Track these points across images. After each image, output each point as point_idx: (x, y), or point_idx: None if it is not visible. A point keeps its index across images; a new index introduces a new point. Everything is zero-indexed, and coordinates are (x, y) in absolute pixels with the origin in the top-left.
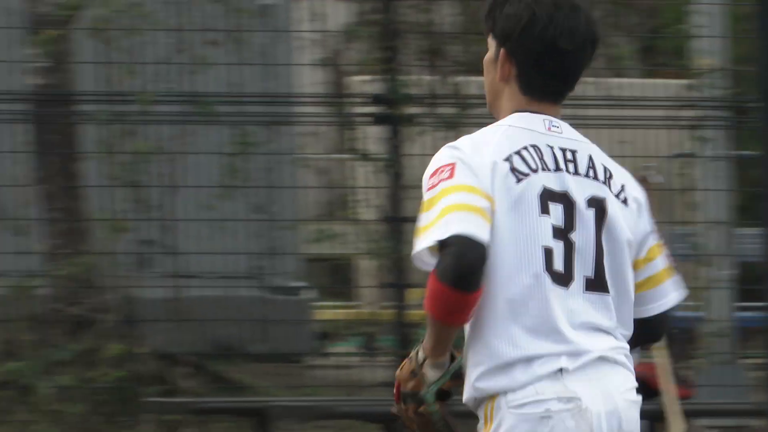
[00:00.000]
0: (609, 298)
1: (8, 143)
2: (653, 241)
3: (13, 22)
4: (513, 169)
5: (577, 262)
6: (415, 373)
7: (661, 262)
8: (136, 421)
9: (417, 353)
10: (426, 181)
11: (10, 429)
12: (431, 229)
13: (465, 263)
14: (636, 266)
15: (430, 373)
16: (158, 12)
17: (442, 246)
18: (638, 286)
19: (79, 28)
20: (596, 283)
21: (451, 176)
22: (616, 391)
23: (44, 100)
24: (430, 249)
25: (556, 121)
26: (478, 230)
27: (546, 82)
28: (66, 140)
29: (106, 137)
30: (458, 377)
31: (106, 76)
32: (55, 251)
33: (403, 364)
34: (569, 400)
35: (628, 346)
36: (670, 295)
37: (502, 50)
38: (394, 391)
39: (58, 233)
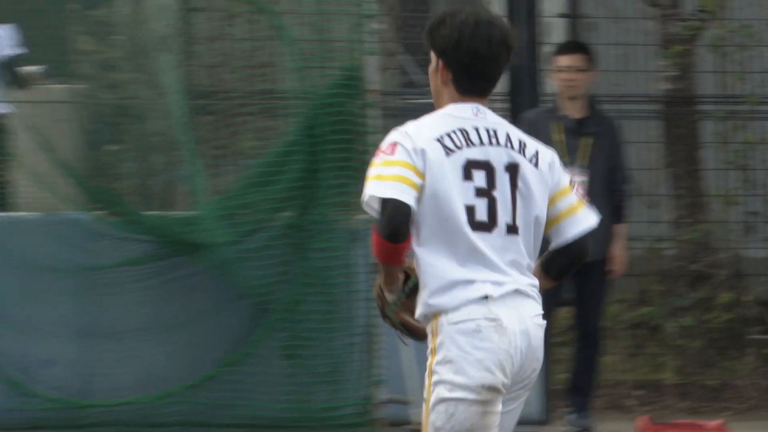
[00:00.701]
0: (520, 239)
1: (643, 136)
2: (566, 184)
3: (649, 40)
4: (444, 146)
5: (499, 212)
6: (381, 297)
7: (573, 197)
8: (741, 354)
9: (379, 284)
10: (378, 151)
11: (643, 360)
12: (375, 183)
13: (394, 223)
14: (552, 202)
15: (389, 296)
16: (763, 31)
17: (381, 206)
18: (558, 218)
19: (700, 45)
20: (513, 227)
21: (392, 153)
22: (527, 316)
23: (672, 102)
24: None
25: (482, 109)
26: (405, 196)
27: (474, 83)
28: (689, 133)
29: (721, 130)
30: (413, 293)
31: (722, 82)
32: (679, 220)
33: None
34: (493, 320)
35: (537, 282)
36: (584, 220)
37: (440, 61)
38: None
39: (682, 206)
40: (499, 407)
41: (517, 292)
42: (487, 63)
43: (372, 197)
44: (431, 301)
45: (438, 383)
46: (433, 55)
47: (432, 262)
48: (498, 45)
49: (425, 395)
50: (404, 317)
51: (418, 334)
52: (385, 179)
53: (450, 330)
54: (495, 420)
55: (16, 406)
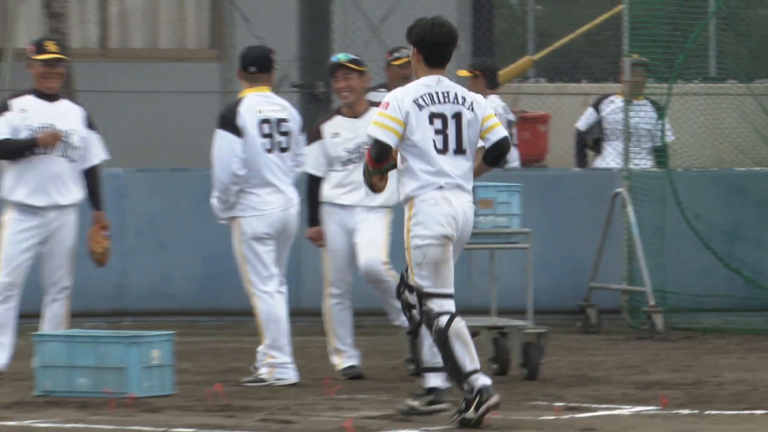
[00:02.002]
0: (464, 158)
1: None
2: (490, 112)
3: None
4: (418, 105)
5: (450, 142)
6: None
7: (495, 119)
8: None
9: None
10: (381, 106)
11: None
12: (373, 127)
13: (379, 154)
14: (482, 123)
15: (372, 170)
16: None
17: (374, 141)
18: (487, 130)
19: None
20: (458, 151)
21: (386, 108)
22: (465, 202)
23: None
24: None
25: (441, 78)
26: (387, 139)
27: (435, 60)
28: None
29: None
30: (388, 171)
31: None
32: None
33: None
34: (446, 199)
35: (471, 181)
36: (500, 132)
37: (414, 49)
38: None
39: None
40: (451, 248)
41: (458, 186)
42: (440, 48)
43: (370, 134)
44: (412, 191)
45: (414, 237)
46: (410, 46)
47: (414, 172)
48: (447, 36)
49: (405, 245)
50: (375, 181)
51: (378, 191)
52: (379, 126)
53: (420, 204)
54: (451, 256)
55: (754, 296)
